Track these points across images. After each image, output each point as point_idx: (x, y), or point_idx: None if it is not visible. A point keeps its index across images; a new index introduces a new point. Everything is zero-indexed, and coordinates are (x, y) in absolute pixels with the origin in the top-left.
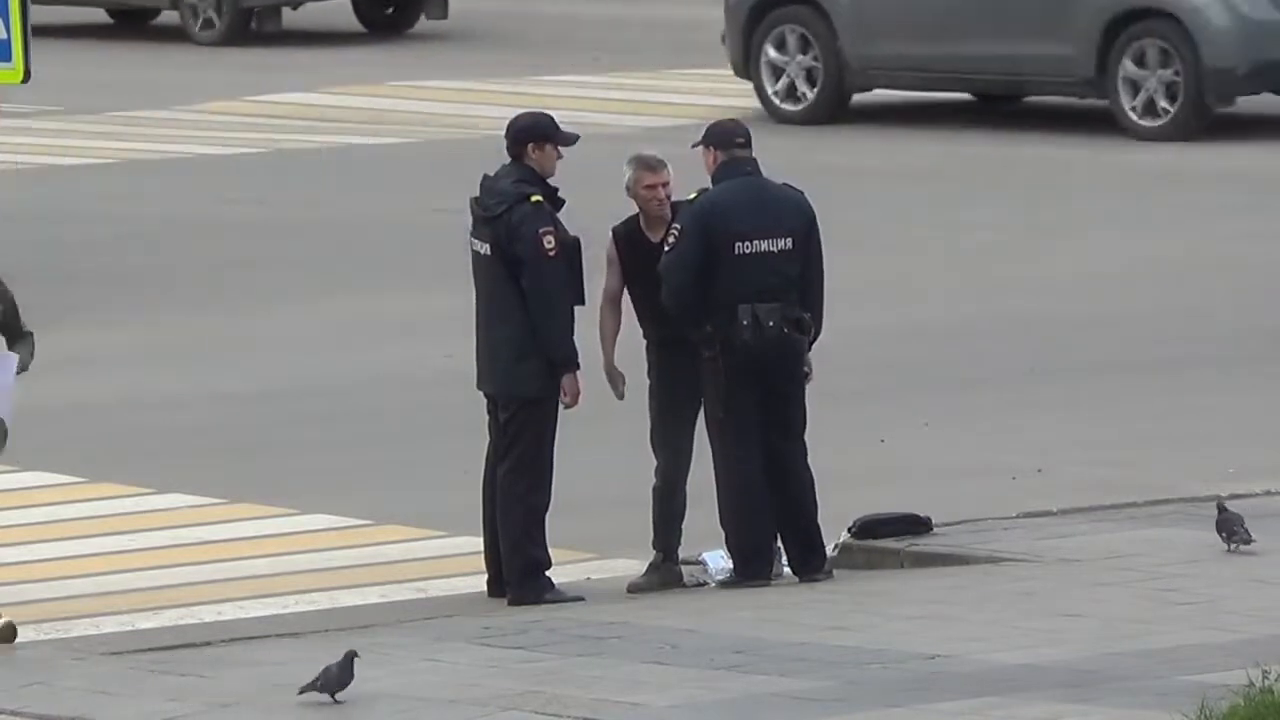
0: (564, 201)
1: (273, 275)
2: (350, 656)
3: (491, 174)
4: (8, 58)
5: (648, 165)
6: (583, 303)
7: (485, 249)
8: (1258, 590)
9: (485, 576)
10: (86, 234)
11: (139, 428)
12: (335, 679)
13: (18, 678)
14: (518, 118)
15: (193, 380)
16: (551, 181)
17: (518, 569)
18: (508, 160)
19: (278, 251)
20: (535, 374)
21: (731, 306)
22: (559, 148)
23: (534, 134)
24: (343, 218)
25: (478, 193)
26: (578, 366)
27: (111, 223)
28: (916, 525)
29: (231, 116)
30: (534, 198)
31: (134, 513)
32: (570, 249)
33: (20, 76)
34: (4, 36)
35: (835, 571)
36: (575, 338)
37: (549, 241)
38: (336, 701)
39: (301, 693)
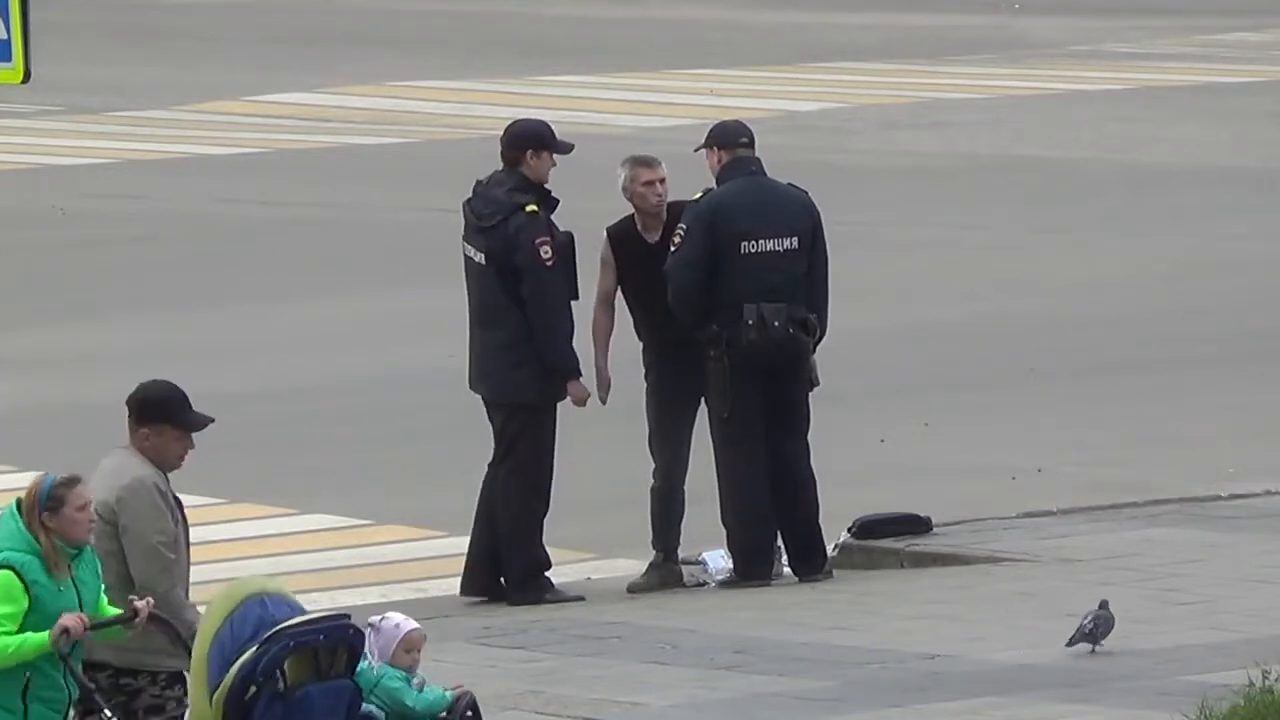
0: (558, 201)
1: (273, 275)
2: (1105, 603)
3: (484, 180)
4: (8, 58)
5: (643, 162)
6: (576, 297)
7: (480, 257)
8: (1258, 590)
9: (462, 574)
10: (87, 234)
11: None
12: (1108, 623)
13: None
14: (514, 124)
15: (193, 380)
16: (548, 186)
17: (518, 570)
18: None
19: (278, 251)
20: (532, 381)
21: (737, 306)
22: (554, 155)
23: (532, 141)
24: (343, 218)
25: (470, 196)
26: (579, 374)
27: (112, 223)
28: (916, 525)
29: (231, 116)
30: (529, 207)
31: None
32: (565, 249)
33: (20, 76)
34: (4, 36)
35: (835, 571)
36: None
37: (546, 251)
38: (1096, 651)
39: (1071, 644)
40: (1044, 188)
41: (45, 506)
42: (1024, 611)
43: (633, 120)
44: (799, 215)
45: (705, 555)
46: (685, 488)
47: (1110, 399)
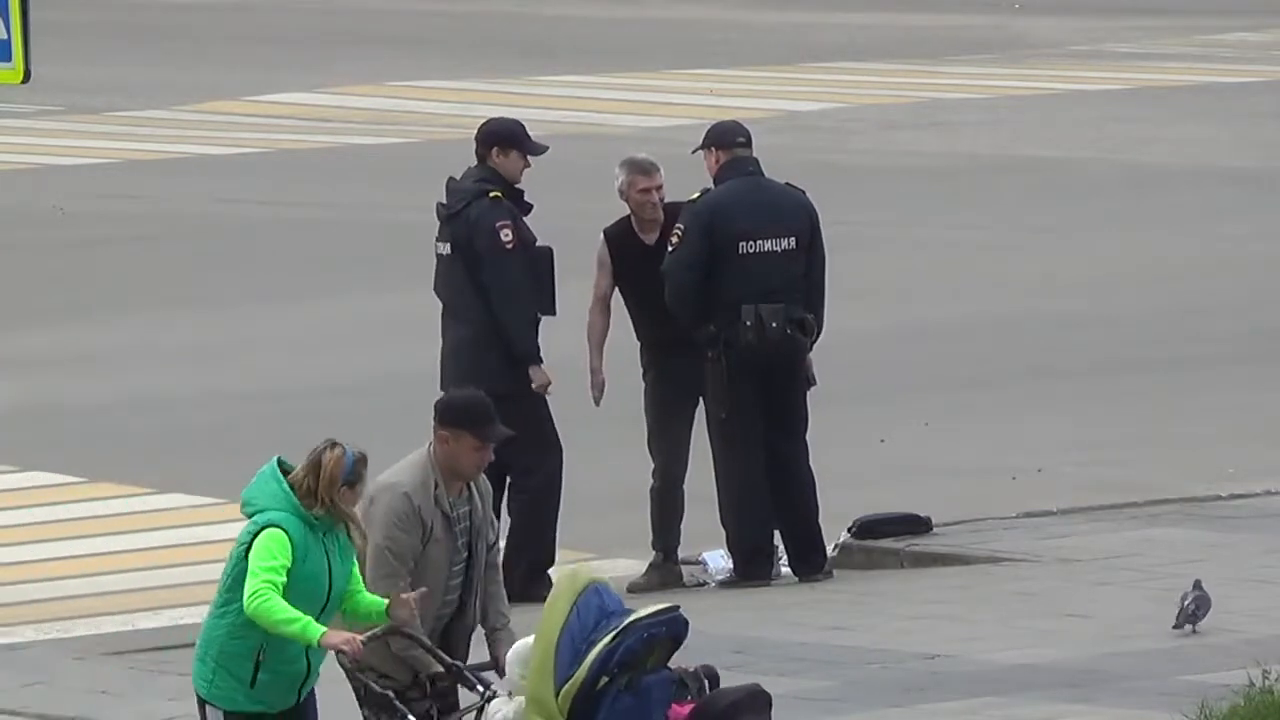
0: (531, 206)
1: (273, 275)
2: (1199, 582)
3: (458, 176)
4: (8, 58)
5: (641, 169)
6: (553, 312)
7: (446, 248)
8: (1258, 590)
9: None
10: (87, 234)
11: (139, 428)
12: (1208, 603)
13: (18, 678)
14: (489, 120)
15: (193, 380)
16: (519, 185)
17: (524, 569)
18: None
19: (278, 251)
20: (500, 367)
21: (735, 306)
22: (527, 156)
23: (497, 139)
24: (343, 218)
25: (444, 198)
26: (539, 361)
27: (112, 223)
28: (916, 525)
29: (231, 116)
30: (493, 193)
31: (134, 513)
32: (537, 253)
33: (20, 76)
34: (4, 36)
35: (835, 571)
36: (550, 340)
37: (506, 234)
38: (1197, 631)
39: (1178, 625)
40: (1044, 188)
41: (348, 480)
42: (1024, 611)
43: (633, 120)
44: (797, 215)
45: (705, 555)
46: (685, 488)
47: (1110, 399)
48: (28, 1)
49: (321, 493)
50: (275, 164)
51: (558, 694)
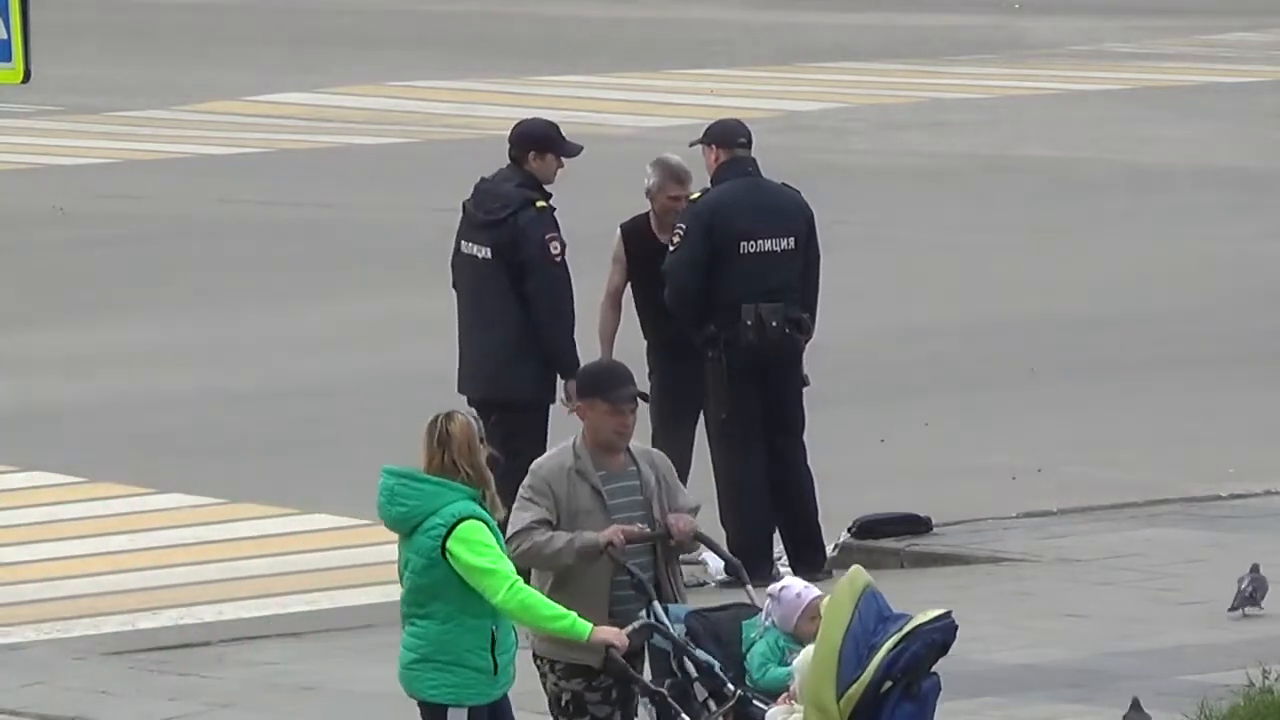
0: (554, 208)
1: (273, 275)
2: (1257, 566)
3: (489, 176)
4: (8, 58)
5: (676, 177)
6: None
7: (485, 253)
8: None
9: None
10: (87, 234)
11: (139, 428)
12: (1265, 585)
13: (18, 678)
14: (523, 122)
15: (193, 380)
16: (547, 188)
17: None
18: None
19: (278, 251)
20: (531, 377)
21: (735, 306)
22: (561, 158)
23: (536, 142)
24: (343, 218)
25: (470, 195)
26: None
27: (112, 223)
28: (916, 525)
29: (231, 116)
30: (539, 203)
31: (134, 513)
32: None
33: (20, 76)
34: (4, 36)
35: (835, 571)
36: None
37: (555, 247)
38: (1255, 613)
39: (1234, 609)
40: (1044, 188)
41: (481, 438)
42: (1024, 611)
43: (633, 120)
44: (795, 215)
45: (705, 555)
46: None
47: (1110, 399)
48: (28, 1)
49: (462, 462)
50: (275, 164)
51: (840, 697)
